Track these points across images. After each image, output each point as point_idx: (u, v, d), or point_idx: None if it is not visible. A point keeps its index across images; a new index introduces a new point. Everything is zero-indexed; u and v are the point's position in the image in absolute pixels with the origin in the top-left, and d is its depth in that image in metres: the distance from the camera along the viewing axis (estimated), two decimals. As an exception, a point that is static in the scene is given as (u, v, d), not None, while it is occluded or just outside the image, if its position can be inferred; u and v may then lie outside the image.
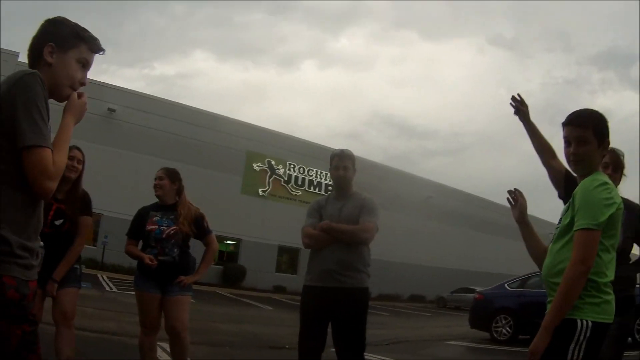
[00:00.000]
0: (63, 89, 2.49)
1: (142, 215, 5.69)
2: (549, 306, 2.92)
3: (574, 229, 2.81)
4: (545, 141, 3.96)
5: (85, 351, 5.20)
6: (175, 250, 5.55)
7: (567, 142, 3.03)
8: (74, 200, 5.22)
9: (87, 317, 9.97)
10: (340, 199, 5.11)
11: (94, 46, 2.57)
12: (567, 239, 2.89)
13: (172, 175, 5.83)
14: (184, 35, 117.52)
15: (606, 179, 2.92)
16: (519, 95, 3.87)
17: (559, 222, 3.10)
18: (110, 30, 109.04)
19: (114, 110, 31.89)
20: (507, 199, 3.70)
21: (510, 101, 3.87)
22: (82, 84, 2.54)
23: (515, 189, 3.68)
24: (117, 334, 9.47)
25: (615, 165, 4.41)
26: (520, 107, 3.86)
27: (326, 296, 4.81)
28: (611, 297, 2.85)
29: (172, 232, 5.54)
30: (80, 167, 5.25)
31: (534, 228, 3.64)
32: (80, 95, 2.61)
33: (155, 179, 5.78)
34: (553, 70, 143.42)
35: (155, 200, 5.84)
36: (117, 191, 29.98)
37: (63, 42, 2.44)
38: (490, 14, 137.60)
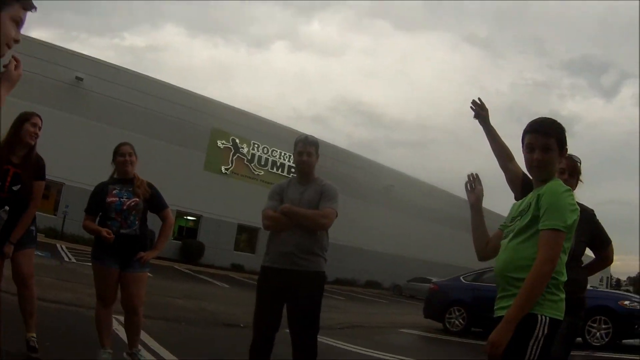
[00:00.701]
0: (0, 47, 2.45)
1: (101, 191, 5.66)
2: (500, 301, 3.05)
3: (541, 228, 2.88)
4: (504, 145, 4.08)
5: (42, 321, 5.23)
6: (137, 222, 5.56)
7: (531, 148, 3.10)
8: (29, 166, 5.23)
9: (45, 287, 9.88)
10: (302, 184, 5.18)
11: (27, 4, 2.55)
12: (527, 237, 2.97)
13: (135, 152, 5.85)
14: (156, 7, 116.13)
15: (563, 184, 3.05)
16: (479, 99, 3.94)
17: (512, 221, 3.19)
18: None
19: (81, 79, 31.37)
20: (465, 183, 3.75)
21: (471, 105, 3.93)
22: (17, 41, 2.50)
23: (474, 173, 3.76)
24: (74, 304, 9.39)
25: (572, 171, 4.52)
26: (479, 111, 3.93)
27: (283, 278, 4.87)
28: (564, 297, 2.97)
29: (132, 203, 5.55)
30: (39, 133, 5.27)
31: (484, 217, 3.70)
32: (17, 67, 2.66)
33: (125, 154, 5.73)
34: (524, 71, 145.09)
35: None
36: (80, 161, 29.59)
37: None
38: (466, 12, 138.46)
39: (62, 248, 24.43)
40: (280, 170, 40.51)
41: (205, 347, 8.03)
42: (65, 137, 28.33)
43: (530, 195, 3.14)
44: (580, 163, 4.60)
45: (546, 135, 3.08)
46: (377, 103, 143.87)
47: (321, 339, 5.17)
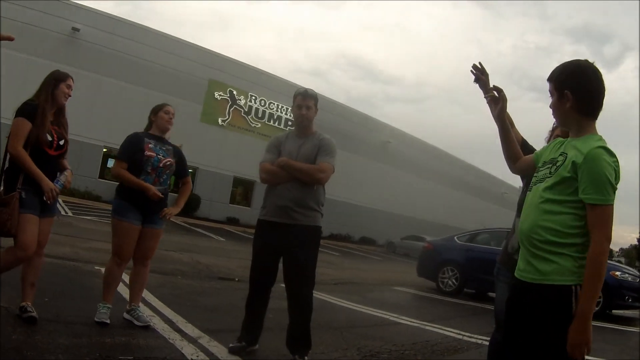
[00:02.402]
0: None
1: (138, 139, 5.64)
2: (524, 264, 2.91)
3: (591, 202, 2.70)
4: (515, 145, 3.75)
5: (40, 276, 5.26)
6: (167, 181, 5.73)
7: None
8: (65, 122, 5.42)
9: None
10: (300, 137, 5.22)
11: None
12: (558, 201, 2.81)
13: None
14: None
15: (608, 147, 2.82)
16: (479, 63, 3.85)
17: (542, 165, 3.06)
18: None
19: (78, 30, 30.89)
20: (486, 97, 3.63)
21: (471, 69, 3.84)
22: None
23: (479, 63, 3.75)
24: (71, 259, 9.49)
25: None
26: (480, 75, 3.83)
27: (279, 231, 4.94)
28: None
29: (168, 162, 5.65)
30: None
31: (509, 129, 3.55)
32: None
33: (170, 113, 5.81)
34: (526, 34, 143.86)
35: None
36: (75, 113, 29.20)
37: None
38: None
39: (58, 201, 24.36)
40: (277, 123, 40.24)
41: (200, 300, 8.07)
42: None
43: (565, 142, 3.04)
44: None
45: (548, 81, 3.04)
46: (375, 58, 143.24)
47: (315, 294, 5.23)
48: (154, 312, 6.41)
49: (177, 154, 5.84)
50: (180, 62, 34.93)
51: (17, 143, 4.81)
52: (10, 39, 2.75)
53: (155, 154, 5.56)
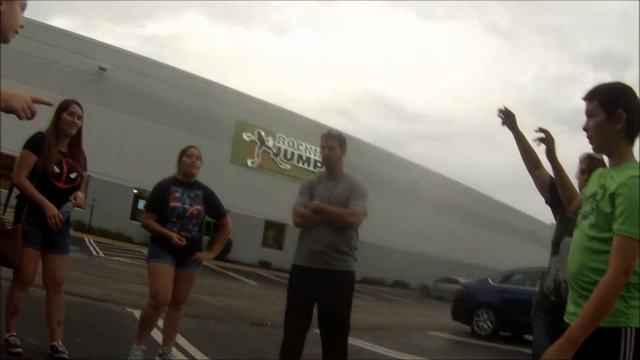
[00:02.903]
0: (10, 33, 2.55)
1: (163, 190, 5.65)
2: (571, 306, 2.77)
3: (617, 232, 2.53)
4: (532, 151, 3.95)
5: (71, 315, 5.23)
6: (196, 228, 5.64)
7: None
8: (79, 154, 5.29)
9: (74, 281, 9.94)
10: (332, 180, 5.15)
11: None
12: (600, 239, 2.64)
13: (201, 157, 5.85)
14: None
15: None
16: (504, 107, 3.82)
17: (586, 200, 2.91)
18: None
19: (104, 69, 31.38)
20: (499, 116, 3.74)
21: (498, 113, 3.81)
22: (22, 26, 2.58)
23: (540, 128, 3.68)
24: (103, 300, 9.51)
25: (592, 170, 4.33)
26: (507, 119, 3.82)
27: (313, 277, 4.86)
28: None
29: (195, 211, 5.60)
30: (80, 122, 5.27)
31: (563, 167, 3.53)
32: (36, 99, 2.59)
33: (192, 156, 5.74)
34: (547, 64, 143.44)
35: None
36: (104, 153, 29.68)
37: None
38: (488, 1, 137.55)
39: (89, 242, 24.58)
40: (306, 164, 40.40)
41: (233, 345, 8.02)
42: (89, 128, 28.27)
43: (604, 174, 2.86)
44: (601, 160, 4.24)
45: (588, 100, 2.85)
46: (399, 95, 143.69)
47: (349, 339, 5.12)
48: (187, 356, 6.38)
49: (208, 198, 5.80)
50: (207, 102, 35.27)
51: (19, 173, 4.84)
52: (48, 104, 2.79)
53: (180, 204, 5.55)
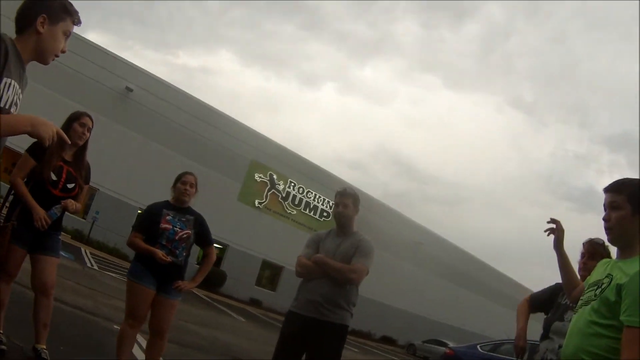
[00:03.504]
0: (49, 57, 2.71)
1: (155, 212, 5.65)
2: None
3: (626, 324, 2.55)
4: (573, 274, 3.96)
5: (58, 323, 5.25)
6: (184, 253, 5.63)
7: (604, 209, 2.95)
8: (81, 165, 5.33)
9: (65, 289, 10.03)
10: (340, 236, 5.22)
11: (77, 20, 2.82)
12: (601, 325, 2.69)
13: (197, 184, 5.91)
14: (213, 30, 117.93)
15: None
16: (554, 219, 3.86)
17: (588, 288, 2.98)
18: (140, 7, 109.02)
19: (131, 90, 31.83)
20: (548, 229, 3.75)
21: (548, 223, 3.83)
22: (63, 52, 2.76)
23: (552, 219, 3.77)
24: (92, 313, 9.48)
25: (591, 254, 4.45)
26: (556, 231, 3.84)
27: (307, 325, 4.90)
28: None
29: (184, 235, 5.61)
30: (88, 134, 5.31)
31: (567, 259, 3.67)
32: (61, 133, 2.81)
33: (187, 184, 5.77)
34: (565, 142, 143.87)
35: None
36: (117, 170, 30.11)
37: (54, 15, 2.69)
38: (514, 75, 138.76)
39: (86, 253, 24.59)
40: (312, 212, 40.54)
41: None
42: (107, 144, 28.66)
43: (612, 264, 2.92)
44: (603, 245, 4.45)
45: (615, 193, 2.91)
46: (416, 156, 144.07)
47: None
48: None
49: (199, 224, 5.79)
50: (225, 138, 35.63)
51: (17, 173, 4.94)
52: (67, 142, 2.97)
53: (171, 226, 5.55)
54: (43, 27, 2.62)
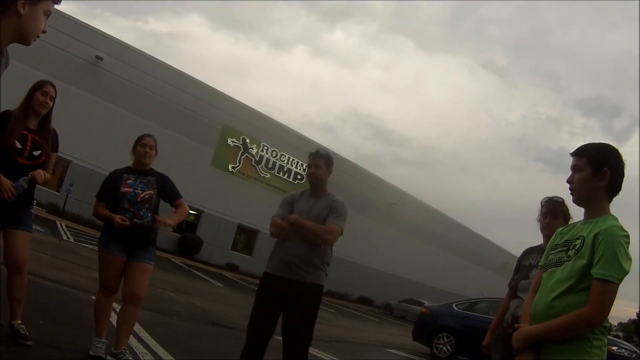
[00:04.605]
0: (31, 38, 2.66)
1: (115, 178, 5.65)
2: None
3: (596, 276, 2.71)
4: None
5: (36, 297, 5.21)
6: (149, 214, 5.57)
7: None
8: (46, 133, 5.27)
9: (42, 263, 9.97)
10: (314, 197, 5.24)
11: None
12: (581, 287, 2.79)
13: (156, 146, 5.84)
14: None
15: (623, 228, 2.88)
16: None
17: (554, 248, 3.11)
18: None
19: (101, 59, 31.36)
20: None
21: None
22: (44, 32, 2.71)
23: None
24: (69, 285, 9.45)
25: (554, 213, 4.54)
26: None
27: (282, 286, 4.92)
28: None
29: (146, 196, 5.58)
30: (51, 103, 5.27)
31: None
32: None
33: (146, 146, 5.73)
34: (538, 105, 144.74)
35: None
36: (89, 141, 29.76)
37: None
38: (488, 39, 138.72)
39: (61, 226, 24.44)
40: (286, 175, 40.58)
41: (193, 343, 8.04)
42: (78, 114, 28.29)
43: (579, 226, 3.06)
44: (562, 203, 4.59)
45: (577, 156, 3.05)
46: (387, 118, 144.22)
47: (310, 350, 5.19)
48: (148, 350, 6.38)
49: (161, 182, 5.78)
50: (197, 104, 35.37)
51: None
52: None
53: (132, 189, 5.56)
54: (24, 9, 2.55)
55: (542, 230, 4.62)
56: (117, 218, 5.34)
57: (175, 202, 5.88)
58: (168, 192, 5.82)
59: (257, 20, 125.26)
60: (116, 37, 33.50)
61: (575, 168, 3.04)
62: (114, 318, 6.02)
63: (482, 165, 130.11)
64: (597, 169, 2.95)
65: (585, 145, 3.09)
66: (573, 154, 3.08)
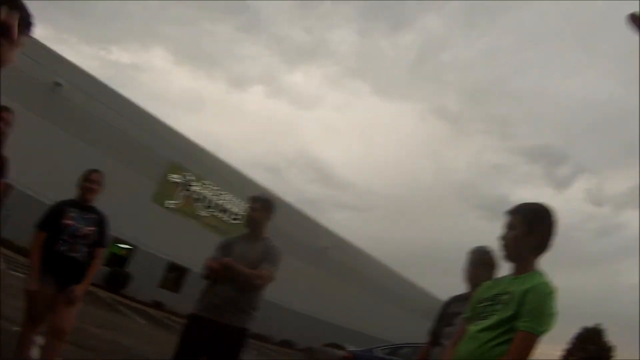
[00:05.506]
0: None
1: (59, 209, 5.64)
2: None
3: (521, 328, 2.83)
4: None
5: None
6: (85, 249, 5.60)
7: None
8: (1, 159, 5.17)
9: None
10: (250, 241, 5.30)
11: (30, 32, 2.61)
12: (506, 339, 2.88)
13: (103, 182, 5.88)
14: (150, 27, 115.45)
15: (551, 284, 3.00)
16: None
17: (480, 302, 3.20)
18: (80, 1, 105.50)
19: (60, 85, 30.96)
20: None
21: None
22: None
23: None
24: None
25: (480, 263, 4.67)
26: None
27: (208, 328, 4.92)
28: None
29: (88, 232, 5.60)
30: (6, 128, 5.17)
31: None
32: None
33: (93, 182, 5.79)
34: (484, 152, 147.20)
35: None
36: (35, 166, 29.12)
37: None
38: (444, 84, 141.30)
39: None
40: (225, 215, 40.45)
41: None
42: (27, 138, 27.87)
43: (508, 280, 3.16)
44: (491, 254, 4.67)
45: (512, 214, 3.18)
46: (334, 162, 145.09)
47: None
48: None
49: (100, 223, 5.79)
50: (146, 137, 35.18)
51: None
52: None
53: (74, 223, 5.56)
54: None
55: (467, 279, 4.75)
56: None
57: (96, 249, 5.83)
58: (100, 235, 5.81)
59: (221, 57, 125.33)
60: (78, 63, 33.24)
61: (509, 226, 3.16)
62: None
63: (421, 210, 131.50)
64: (530, 228, 3.08)
65: (520, 204, 3.23)
66: (508, 212, 3.21)
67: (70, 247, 5.51)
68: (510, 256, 3.18)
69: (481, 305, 3.17)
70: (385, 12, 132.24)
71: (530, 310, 2.84)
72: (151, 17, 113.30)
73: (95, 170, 5.92)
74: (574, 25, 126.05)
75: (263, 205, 5.38)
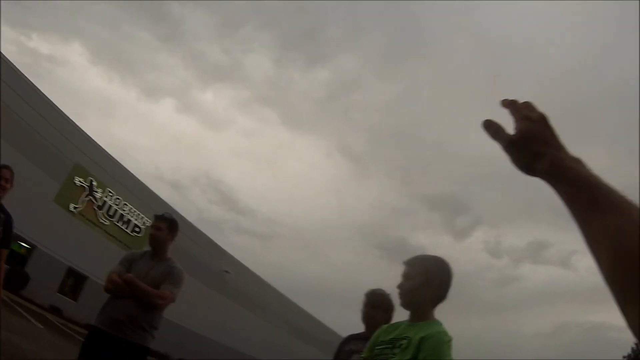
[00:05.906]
0: None
1: None
2: None
3: None
4: None
5: None
6: None
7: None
8: None
9: None
10: (154, 260, 5.36)
11: None
12: None
13: (12, 179, 5.76)
14: (74, 20, 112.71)
15: (447, 333, 3.06)
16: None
17: (378, 345, 3.27)
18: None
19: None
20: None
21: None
22: None
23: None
24: None
25: (375, 304, 4.76)
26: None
27: (108, 343, 4.91)
28: None
29: None
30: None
31: None
32: None
33: (1, 179, 5.61)
34: (386, 195, 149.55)
35: None
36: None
37: None
38: (352, 124, 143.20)
39: None
40: (125, 225, 39.85)
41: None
42: None
43: (405, 326, 3.22)
44: (386, 296, 4.76)
45: (410, 266, 3.27)
46: (237, 187, 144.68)
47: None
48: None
49: (5, 223, 5.67)
50: (54, 135, 34.36)
51: None
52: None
53: None
54: None
55: (363, 320, 4.77)
56: None
57: (4, 251, 5.82)
58: (4, 236, 5.73)
59: (137, 63, 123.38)
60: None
61: (406, 276, 3.23)
62: None
63: (322, 245, 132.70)
64: (427, 279, 3.15)
65: (418, 256, 3.32)
66: (406, 263, 3.29)
67: None
68: (406, 305, 3.27)
69: (379, 347, 3.25)
70: (305, 45, 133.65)
71: (428, 357, 2.89)
72: (76, 10, 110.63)
73: (5, 166, 5.69)
74: (488, 77, 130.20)
75: (168, 226, 5.43)
